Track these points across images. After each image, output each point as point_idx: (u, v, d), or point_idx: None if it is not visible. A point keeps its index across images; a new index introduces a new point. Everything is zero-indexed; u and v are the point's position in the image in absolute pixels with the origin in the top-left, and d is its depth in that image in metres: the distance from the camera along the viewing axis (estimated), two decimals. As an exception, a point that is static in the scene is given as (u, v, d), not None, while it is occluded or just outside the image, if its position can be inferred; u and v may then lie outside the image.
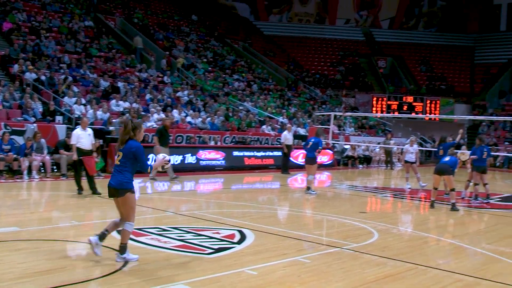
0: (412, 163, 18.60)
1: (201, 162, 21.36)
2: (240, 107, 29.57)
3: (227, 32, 43.98)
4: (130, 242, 8.19)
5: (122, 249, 7.31)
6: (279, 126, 27.63)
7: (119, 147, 7.40)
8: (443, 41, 51.96)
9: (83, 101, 21.94)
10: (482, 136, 25.14)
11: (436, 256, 8.86)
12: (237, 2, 51.89)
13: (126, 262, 7.22)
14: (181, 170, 19.71)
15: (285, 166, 22.40)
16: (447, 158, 14.20)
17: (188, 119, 24.24)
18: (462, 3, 53.24)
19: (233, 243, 8.80)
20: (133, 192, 7.37)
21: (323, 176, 22.64)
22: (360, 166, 28.49)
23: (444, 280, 7.28)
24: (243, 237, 9.20)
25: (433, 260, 8.41)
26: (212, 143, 22.92)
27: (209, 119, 24.76)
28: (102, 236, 7.39)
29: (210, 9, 47.78)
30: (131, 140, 7.32)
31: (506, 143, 35.58)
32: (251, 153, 23.48)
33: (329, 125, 26.96)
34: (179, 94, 27.64)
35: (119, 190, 7.27)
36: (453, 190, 13.85)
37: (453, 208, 13.71)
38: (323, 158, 25.22)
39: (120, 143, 7.37)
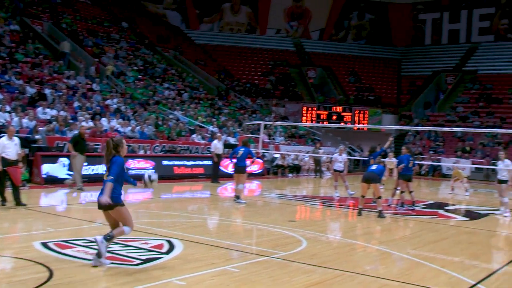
0: (341, 171, 18.86)
1: (130, 171, 21.03)
2: (170, 116, 29.34)
3: (158, 40, 43.59)
4: (54, 254, 8.02)
5: (109, 237, 7.63)
6: (209, 135, 27.57)
7: (106, 163, 7.72)
8: (371, 53, 53.27)
9: (8, 108, 21.24)
10: (409, 145, 25.88)
11: (363, 262, 9.02)
12: (168, 10, 51.57)
13: (51, 276, 7.00)
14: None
15: (215, 175, 22.40)
16: (374, 167, 14.52)
17: (117, 127, 23.84)
18: (390, 17, 54.78)
19: (162, 253, 8.70)
20: (123, 205, 7.68)
21: (252, 185, 22.72)
22: (290, 175, 28.78)
23: (371, 286, 7.43)
24: (171, 247, 9.09)
25: (360, 266, 8.55)
26: (141, 152, 22.64)
27: (138, 127, 24.42)
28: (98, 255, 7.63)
29: (141, 16, 47.27)
30: (115, 156, 7.67)
31: (431, 152, 36.78)
32: (181, 162, 23.31)
33: (259, 134, 27.06)
34: (108, 102, 27.15)
35: (110, 205, 7.56)
36: (379, 197, 14.17)
37: (380, 215, 14.02)
38: (253, 167, 25.30)
39: (106, 162, 7.71)
